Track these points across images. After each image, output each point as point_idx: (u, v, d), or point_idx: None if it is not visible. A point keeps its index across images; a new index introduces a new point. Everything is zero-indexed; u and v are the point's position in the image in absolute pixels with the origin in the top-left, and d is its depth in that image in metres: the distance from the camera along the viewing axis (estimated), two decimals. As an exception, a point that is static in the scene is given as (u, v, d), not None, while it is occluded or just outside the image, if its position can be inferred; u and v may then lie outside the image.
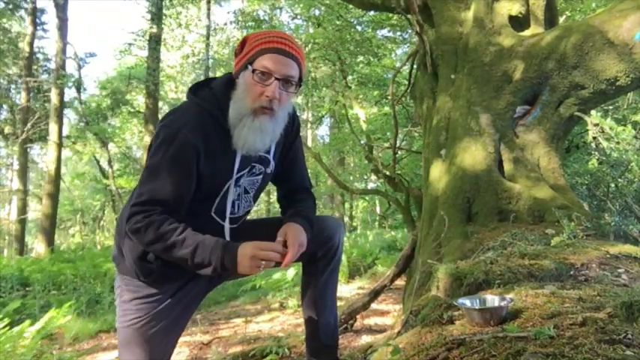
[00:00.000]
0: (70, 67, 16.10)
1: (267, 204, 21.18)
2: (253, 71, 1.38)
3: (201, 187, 1.45)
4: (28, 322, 3.69)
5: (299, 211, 1.57)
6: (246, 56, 1.42)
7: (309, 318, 1.71)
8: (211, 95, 1.47)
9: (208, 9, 17.12)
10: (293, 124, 1.61)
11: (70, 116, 18.16)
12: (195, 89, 1.52)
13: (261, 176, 1.59)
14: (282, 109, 1.45)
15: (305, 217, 1.53)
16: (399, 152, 6.60)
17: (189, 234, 1.37)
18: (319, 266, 1.65)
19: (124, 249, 1.51)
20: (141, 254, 1.46)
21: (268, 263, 1.37)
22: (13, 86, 17.51)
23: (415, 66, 4.91)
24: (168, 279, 1.51)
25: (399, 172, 6.12)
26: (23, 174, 15.28)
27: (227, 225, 1.57)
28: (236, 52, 1.50)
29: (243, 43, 1.47)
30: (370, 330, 4.31)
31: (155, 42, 13.65)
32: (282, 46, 1.40)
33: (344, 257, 8.00)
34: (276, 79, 1.38)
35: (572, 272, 1.97)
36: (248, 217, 1.74)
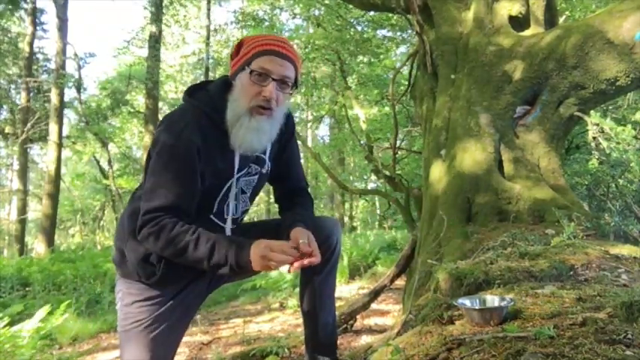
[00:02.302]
0: (70, 67, 16.12)
1: (267, 204, 21.19)
2: (251, 72, 1.40)
3: (204, 188, 1.46)
4: (26, 321, 3.69)
5: (300, 218, 1.57)
6: (243, 58, 1.44)
7: (308, 317, 1.71)
8: (208, 97, 1.48)
9: (208, 9, 17.12)
10: (287, 124, 1.61)
11: (70, 116, 18.19)
12: (191, 91, 1.53)
13: (257, 176, 1.59)
14: (279, 110, 1.47)
15: (306, 225, 1.53)
16: (399, 152, 6.60)
17: (202, 233, 1.37)
18: (317, 265, 1.66)
19: (126, 251, 1.51)
20: (143, 256, 1.46)
21: (279, 263, 1.35)
22: (13, 86, 17.52)
23: (415, 66, 4.91)
24: (170, 281, 1.51)
25: (399, 172, 6.12)
26: (23, 174, 15.28)
27: (229, 226, 1.57)
28: (232, 55, 1.51)
29: (240, 46, 1.49)
30: (370, 330, 4.31)
31: (155, 41, 13.65)
32: (278, 48, 1.43)
33: (344, 257, 8.00)
34: (273, 79, 1.41)
35: (572, 272, 1.97)
36: (246, 219, 1.74)
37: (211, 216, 1.53)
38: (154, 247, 1.40)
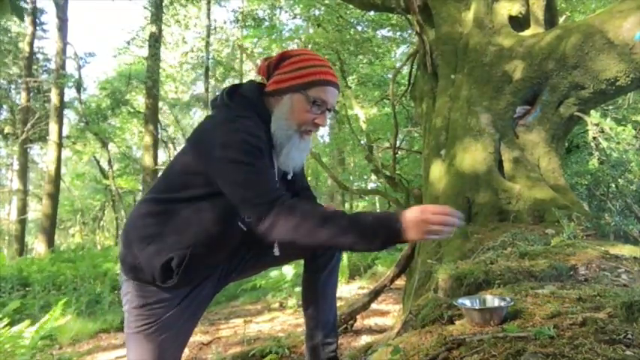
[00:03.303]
0: (70, 67, 16.14)
1: (267, 204, 21.13)
2: (311, 100, 1.45)
3: None
4: (27, 322, 3.69)
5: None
6: (298, 80, 1.45)
7: (310, 315, 1.72)
8: (251, 104, 1.48)
9: (208, 9, 17.12)
10: None
11: (70, 116, 18.17)
12: (230, 94, 1.51)
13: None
14: None
15: None
16: (399, 152, 6.60)
17: (328, 209, 1.38)
18: (320, 264, 1.67)
19: (140, 255, 1.46)
20: (165, 261, 1.43)
21: (439, 229, 1.24)
22: (13, 86, 17.53)
23: (415, 66, 4.91)
24: (185, 284, 1.51)
25: (399, 172, 6.13)
26: (23, 174, 15.29)
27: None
28: (269, 65, 1.52)
29: (285, 60, 1.50)
30: (370, 330, 4.31)
31: (155, 41, 13.65)
32: (333, 78, 1.50)
33: (344, 257, 8.00)
34: (327, 109, 1.49)
35: (572, 272, 1.97)
36: None
37: (240, 223, 1.49)
38: (287, 228, 1.29)
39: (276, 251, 1.55)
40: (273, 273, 6.48)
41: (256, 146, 1.37)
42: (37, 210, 20.73)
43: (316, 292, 1.70)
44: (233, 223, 1.48)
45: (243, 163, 1.34)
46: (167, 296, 1.50)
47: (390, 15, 8.59)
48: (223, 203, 1.40)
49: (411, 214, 1.25)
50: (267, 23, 12.76)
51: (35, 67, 15.99)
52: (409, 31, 9.55)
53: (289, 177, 1.60)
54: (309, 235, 1.28)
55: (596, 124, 3.52)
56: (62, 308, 4.09)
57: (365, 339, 3.95)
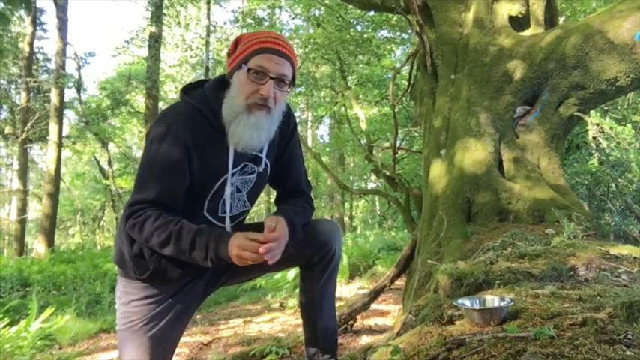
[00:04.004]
0: (70, 67, 16.16)
1: (267, 204, 21.18)
2: (248, 70, 1.40)
3: (193, 184, 1.46)
4: (25, 321, 3.69)
5: (279, 210, 1.58)
6: (240, 56, 1.44)
7: (308, 323, 1.70)
8: (202, 94, 1.49)
9: (208, 9, 17.11)
10: (289, 125, 1.60)
11: (70, 116, 18.14)
12: (187, 89, 1.54)
13: (253, 175, 1.58)
14: (277, 108, 1.47)
15: (285, 216, 1.48)
16: (399, 152, 6.60)
17: (185, 224, 1.39)
18: (315, 271, 1.64)
19: (123, 249, 1.51)
20: (137, 252, 1.48)
21: (258, 257, 1.31)
22: (13, 86, 17.52)
23: (415, 66, 4.91)
24: (164, 277, 1.51)
25: (399, 172, 6.13)
26: (23, 174, 15.27)
27: (227, 225, 1.57)
28: (229, 53, 1.51)
29: (236, 43, 1.49)
30: (370, 330, 4.31)
31: (155, 41, 13.65)
32: (276, 46, 1.43)
33: (344, 257, 7.99)
34: (271, 77, 1.41)
35: (572, 272, 1.97)
36: (248, 220, 1.73)
37: (205, 213, 1.53)
38: (140, 238, 1.43)
39: None
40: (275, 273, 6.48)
41: (169, 152, 1.41)
42: (37, 210, 20.72)
43: (313, 301, 1.67)
44: (199, 215, 1.50)
45: (147, 159, 1.45)
46: (154, 292, 1.52)
47: (390, 15, 8.59)
48: (187, 196, 1.46)
49: (234, 241, 1.34)
50: (266, 23, 12.75)
51: (35, 67, 15.98)
52: (409, 32, 9.55)
53: (261, 169, 1.58)
54: (156, 247, 1.40)
55: (596, 124, 3.52)
56: (58, 307, 4.08)
57: (365, 339, 3.95)
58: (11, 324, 3.75)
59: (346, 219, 22.14)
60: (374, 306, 4.65)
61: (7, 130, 16.61)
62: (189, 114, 1.45)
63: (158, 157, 1.42)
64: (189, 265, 1.44)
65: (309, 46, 9.44)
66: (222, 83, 1.49)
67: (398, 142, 6.05)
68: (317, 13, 10.53)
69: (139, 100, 18.12)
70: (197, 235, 1.36)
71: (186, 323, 1.66)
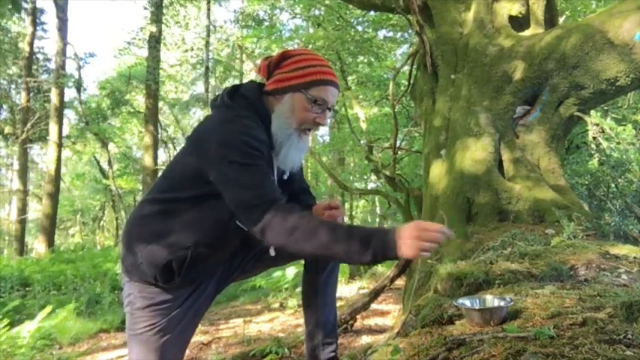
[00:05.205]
0: (70, 67, 16.14)
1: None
2: (311, 99, 1.46)
3: None
4: (26, 322, 3.69)
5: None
6: (298, 80, 1.46)
7: (310, 315, 1.72)
8: (253, 105, 1.48)
9: (208, 9, 17.12)
10: None
11: (70, 116, 18.15)
12: (231, 95, 1.51)
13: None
14: None
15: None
16: (399, 152, 6.60)
17: (324, 220, 1.44)
18: (320, 264, 1.68)
19: (142, 255, 1.46)
20: (165, 262, 1.43)
21: (432, 245, 1.24)
22: (13, 86, 17.53)
23: (415, 66, 4.91)
24: (187, 284, 1.51)
25: (399, 172, 6.13)
26: (23, 174, 15.28)
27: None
28: (270, 65, 1.51)
29: (285, 59, 1.50)
30: (370, 330, 4.31)
31: (155, 41, 13.65)
32: (334, 78, 1.52)
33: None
34: (328, 108, 1.50)
35: (572, 272, 1.97)
36: None
37: (239, 222, 1.46)
38: (280, 232, 1.29)
39: (272, 252, 1.55)
40: (275, 273, 6.47)
41: (255, 147, 1.36)
42: (37, 210, 20.71)
43: (316, 293, 1.70)
44: (233, 222, 1.48)
45: (241, 164, 1.34)
46: (170, 297, 1.50)
47: (390, 15, 8.59)
48: (223, 202, 1.39)
49: (407, 231, 1.24)
50: (267, 23, 12.76)
51: (35, 67, 15.98)
52: (409, 31, 9.55)
53: (285, 177, 1.61)
54: (301, 240, 1.27)
55: (596, 124, 3.52)
56: (58, 307, 4.09)
57: (365, 339, 3.94)
58: (11, 324, 3.75)
59: (346, 219, 22.13)
60: (374, 306, 4.65)
61: (7, 130, 16.62)
62: (253, 118, 1.44)
63: (242, 154, 1.34)
64: (214, 267, 1.49)
65: (310, 47, 9.44)
66: (262, 94, 1.51)
67: (398, 142, 6.05)
68: (317, 13, 10.54)
69: (139, 100, 18.12)
70: (369, 230, 1.29)
71: (197, 325, 1.67)
